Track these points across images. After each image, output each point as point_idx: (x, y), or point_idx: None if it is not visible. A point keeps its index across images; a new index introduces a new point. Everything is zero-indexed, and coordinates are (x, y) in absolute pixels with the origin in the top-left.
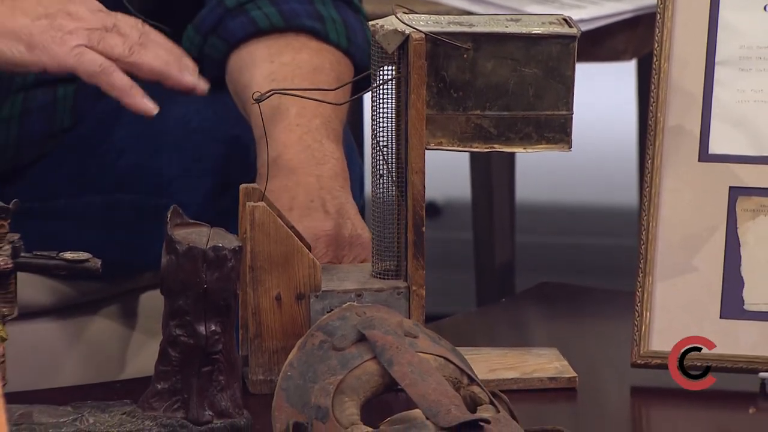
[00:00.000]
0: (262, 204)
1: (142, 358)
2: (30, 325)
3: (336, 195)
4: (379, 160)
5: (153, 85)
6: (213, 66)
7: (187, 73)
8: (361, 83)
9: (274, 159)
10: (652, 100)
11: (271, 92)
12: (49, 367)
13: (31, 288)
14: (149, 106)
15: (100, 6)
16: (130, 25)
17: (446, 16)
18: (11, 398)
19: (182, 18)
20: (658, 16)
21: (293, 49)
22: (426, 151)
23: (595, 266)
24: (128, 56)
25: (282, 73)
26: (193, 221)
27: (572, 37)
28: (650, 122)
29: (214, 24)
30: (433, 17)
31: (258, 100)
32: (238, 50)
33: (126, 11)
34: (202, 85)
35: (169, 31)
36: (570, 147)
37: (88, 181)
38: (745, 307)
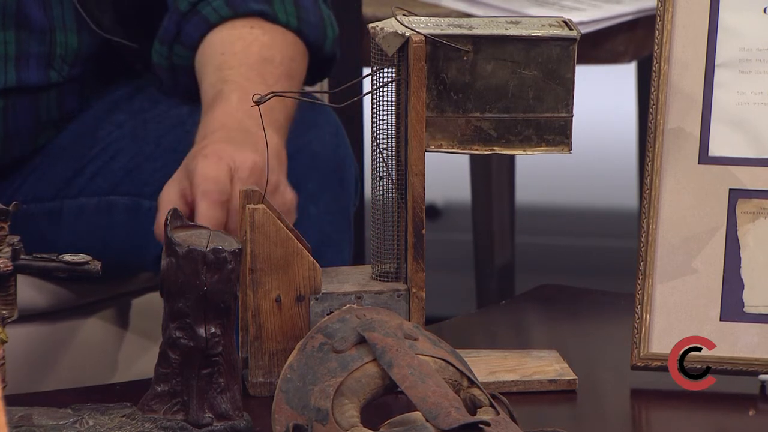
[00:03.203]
0: (261, 206)
1: (140, 360)
2: (24, 327)
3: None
4: (379, 162)
5: (146, 86)
6: (185, 74)
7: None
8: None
9: (212, 132)
10: (651, 102)
11: (271, 94)
12: (43, 370)
13: (25, 290)
14: None
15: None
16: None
17: (446, 19)
18: (11, 400)
19: (148, 33)
20: (658, 18)
21: (244, 42)
22: (426, 153)
23: (595, 268)
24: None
25: (230, 63)
26: (192, 223)
27: (572, 40)
28: (650, 124)
29: (175, 32)
30: (433, 19)
31: (258, 102)
32: (200, 48)
33: (92, 32)
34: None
35: (137, 48)
36: (570, 149)
37: (83, 183)
38: (745, 309)
